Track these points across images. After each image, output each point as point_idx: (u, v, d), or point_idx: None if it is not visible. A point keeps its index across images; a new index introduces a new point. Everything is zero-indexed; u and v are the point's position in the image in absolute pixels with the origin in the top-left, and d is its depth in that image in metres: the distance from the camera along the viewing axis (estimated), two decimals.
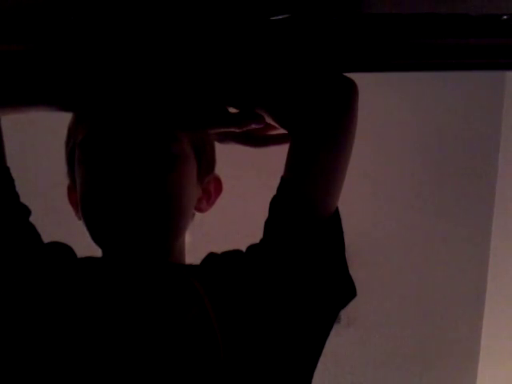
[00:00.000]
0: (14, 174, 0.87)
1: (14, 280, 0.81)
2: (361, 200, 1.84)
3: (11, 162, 0.87)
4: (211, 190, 0.93)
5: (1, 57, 0.81)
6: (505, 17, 0.79)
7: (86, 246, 0.85)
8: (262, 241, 0.83)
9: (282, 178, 0.82)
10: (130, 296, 0.80)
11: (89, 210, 0.83)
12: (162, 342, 0.75)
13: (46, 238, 0.90)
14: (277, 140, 0.88)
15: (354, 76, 0.82)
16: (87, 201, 0.83)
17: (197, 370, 0.74)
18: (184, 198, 0.84)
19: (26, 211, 0.87)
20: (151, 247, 0.83)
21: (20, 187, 0.87)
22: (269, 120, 0.83)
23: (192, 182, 0.86)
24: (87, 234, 0.85)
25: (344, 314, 0.84)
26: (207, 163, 0.91)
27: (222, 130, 0.83)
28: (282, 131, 0.86)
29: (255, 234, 0.83)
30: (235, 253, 0.87)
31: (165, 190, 0.81)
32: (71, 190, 0.90)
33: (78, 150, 0.84)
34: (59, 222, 1.27)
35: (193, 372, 0.74)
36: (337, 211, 0.82)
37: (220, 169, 0.95)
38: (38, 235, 0.88)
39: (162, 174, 0.81)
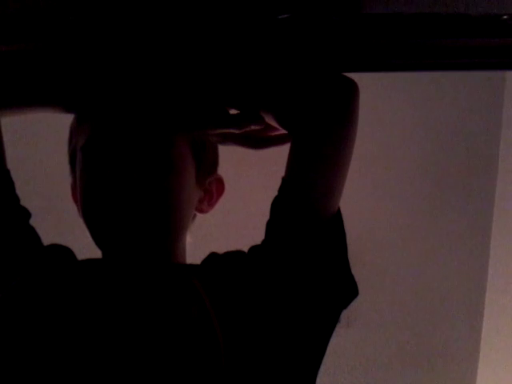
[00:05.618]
0: (14, 175, 0.87)
1: (15, 283, 0.81)
2: (361, 200, 1.84)
3: (11, 163, 0.87)
4: (213, 190, 0.93)
5: (2, 57, 0.81)
6: (505, 17, 0.79)
7: (85, 247, 0.85)
8: (263, 242, 0.83)
9: (283, 179, 0.82)
10: (130, 297, 0.80)
11: (89, 212, 0.83)
12: (162, 343, 0.75)
13: (46, 239, 0.90)
14: (277, 141, 0.88)
15: (354, 76, 0.82)
16: (88, 203, 0.83)
17: (197, 370, 0.74)
18: (183, 199, 0.84)
19: (26, 214, 0.88)
20: (151, 248, 0.83)
21: (19, 188, 0.87)
22: (269, 120, 0.82)
23: (190, 183, 0.86)
24: (87, 235, 0.85)
25: (344, 314, 0.84)
26: (208, 164, 0.90)
27: (222, 130, 0.83)
28: (282, 132, 0.86)
29: (256, 235, 0.83)
30: (237, 253, 0.86)
31: (163, 192, 0.81)
32: (74, 188, 0.90)
33: (79, 153, 0.84)
34: (59, 224, 1.27)
35: (193, 372, 0.74)
36: (339, 211, 0.82)
37: (221, 169, 0.95)
38: (37, 238, 0.88)
39: (161, 176, 0.81)
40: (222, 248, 0.89)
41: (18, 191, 0.87)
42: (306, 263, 0.80)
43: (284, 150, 0.84)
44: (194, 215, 0.91)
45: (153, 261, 0.84)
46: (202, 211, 0.92)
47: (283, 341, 0.79)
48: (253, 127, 0.82)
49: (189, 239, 0.92)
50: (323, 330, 0.82)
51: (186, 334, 0.76)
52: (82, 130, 0.85)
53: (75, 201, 0.90)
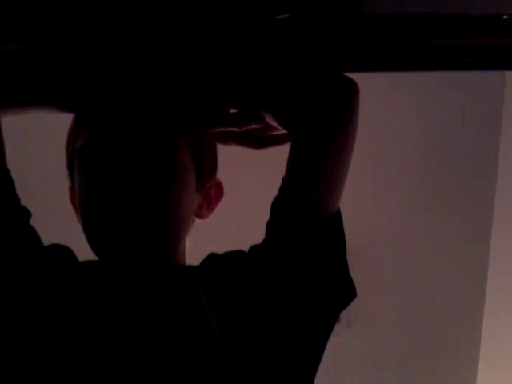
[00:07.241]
0: (14, 175, 0.87)
1: (14, 282, 0.81)
2: (361, 200, 1.84)
3: (11, 163, 0.87)
4: (212, 195, 0.92)
5: (2, 57, 0.81)
6: (505, 17, 0.79)
7: (85, 248, 0.85)
8: (263, 242, 0.83)
9: (284, 179, 0.82)
10: (128, 298, 0.80)
11: (87, 216, 0.83)
12: (160, 343, 0.75)
13: (46, 239, 0.90)
14: (277, 141, 0.88)
15: (354, 76, 0.82)
16: (86, 207, 0.83)
17: (196, 370, 0.74)
18: (182, 206, 0.84)
19: (27, 214, 0.87)
20: (149, 255, 0.83)
21: (20, 189, 0.87)
22: (269, 120, 0.82)
23: (191, 190, 0.86)
24: None
25: (344, 314, 0.84)
26: (207, 169, 0.90)
27: (222, 129, 0.83)
28: (282, 132, 0.86)
29: (257, 235, 0.83)
30: (236, 253, 0.86)
31: (163, 199, 0.81)
32: (72, 193, 0.89)
33: (76, 156, 0.84)
34: (59, 224, 1.27)
35: (192, 373, 0.74)
36: (338, 212, 0.82)
37: (221, 170, 0.95)
38: (37, 238, 0.88)
39: (160, 182, 0.81)
40: (221, 248, 0.89)
41: (18, 191, 0.87)
42: (305, 263, 0.80)
43: (284, 149, 0.84)
44: (193, 220, 0.91)
45: (152, 264, 0.83)
46: (201, 217, 0.91)
47: (281, 341, 0.79)
48: (253, 126, 0.82)
49: (188, 242, 0.91)
50: (321, 330, 0.82)
51: (184, 334, 0.76)
52: (80, 133, 0.84)
53: (73, 205, 0.90)
